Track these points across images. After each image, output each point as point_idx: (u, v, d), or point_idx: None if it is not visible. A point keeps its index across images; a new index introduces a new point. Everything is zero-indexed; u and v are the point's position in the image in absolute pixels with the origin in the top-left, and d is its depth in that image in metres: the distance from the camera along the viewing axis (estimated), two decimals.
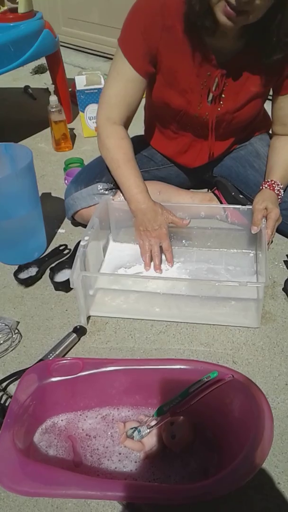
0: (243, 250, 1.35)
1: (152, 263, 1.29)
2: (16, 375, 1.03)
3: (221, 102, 1.25)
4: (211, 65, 1.18)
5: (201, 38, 1.14)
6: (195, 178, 1.54)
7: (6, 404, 0.99)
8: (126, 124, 1.29)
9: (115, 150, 1.26)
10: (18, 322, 1.18)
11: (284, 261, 1.33)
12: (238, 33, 1.12)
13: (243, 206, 1.31)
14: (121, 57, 1.18)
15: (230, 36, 1.12)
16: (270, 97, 1.33)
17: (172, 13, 1.11)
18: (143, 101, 1.38)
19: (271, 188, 1.27)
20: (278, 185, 1.27)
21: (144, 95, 1.34)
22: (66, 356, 1.09)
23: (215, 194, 1.50)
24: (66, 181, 1.72)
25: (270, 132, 1.45)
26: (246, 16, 0.98)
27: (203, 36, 1.13)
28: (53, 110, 1.91)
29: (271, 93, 1.32)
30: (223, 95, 1.23)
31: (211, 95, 1.24)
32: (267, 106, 1.36)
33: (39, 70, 2.90)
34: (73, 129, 2.18)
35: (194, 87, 1.22)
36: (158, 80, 1.23)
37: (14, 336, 1.14)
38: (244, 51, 1.17)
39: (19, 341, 1.13)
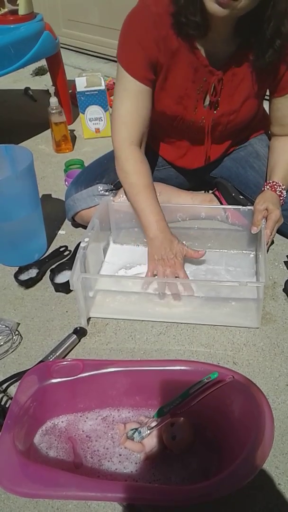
0: (244, 251, 1.35)
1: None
2: (17, 377, 1.03)
3: (217, 105, 1.25)
4: (207, 70, 1.19)
5: (194, 44, 1.14)
6: (195, 179, 1.55)
7: (7, 406, 0.99)
8: (143, 142, 1.26)
9: (135, 175, 1.23)
10: (19, 324, 1.18)
11: (285, 262, 1.33)
12: (230, 35, 1.13)
13: (243, 207, 1.31)
14: (124, 73, 1.18)
15: (223, 37, 1.13)
16: (267, 97, 1.33)
17: (165, 23, 1.11)
18: None
19: (273, 189, 1.27)
20: (280, 186, 1.28)
21: None
22: (66, 357, 1.09)
23: (215, 195, 1.50)
24: (66, 183, 1.72)
25: (269, 132, 1.45)
26: (236, 2, 0.96)
27: (196, 40, 1.13)
28: (53, 111, 1.91)
29: (268, 93, 1.32)
30: (218, 98, 1.24)
31: (207, 99, 1.24)
32: (266, 106, 1.36)
33: (39, 72, 2.90)
34: (74, 130, 2.19)
35: (191, 93, 1.23)
36: (155, 87, 1.23)
37: (14, 337, 1.14)
38: (237, 54, 1.17)
39: (19, 343, 1.13)
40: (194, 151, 1.40)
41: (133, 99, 1.20)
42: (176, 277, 1.17)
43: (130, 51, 1.16)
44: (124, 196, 1.36)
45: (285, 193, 1.28)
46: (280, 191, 1.27)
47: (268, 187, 1.28)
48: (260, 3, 1.00)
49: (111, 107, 2.23)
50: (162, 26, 1.11)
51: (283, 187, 1.28)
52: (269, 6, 1.02)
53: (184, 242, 1.36)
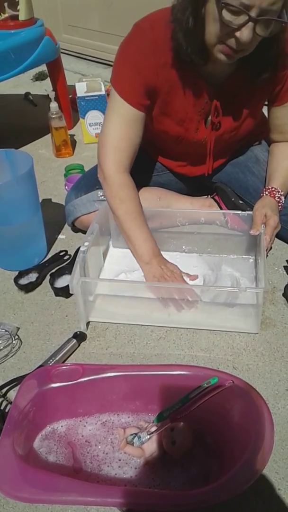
0: (243, 256, 1.35)
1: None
2: (16, 381, 1.03)
3: (219, 125, 1.26)
4: (207, 92, 1.19)
5: (194, 69, 1.15)
6: (194, 184, 1.55)
7: (6, 410, 0.99)
8: (130, 169, 1.25)
9: (129, 202, 1.22)
10: (18, 328, 1.18)
11: (284, 267, 1.33)
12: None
13: (243, 212, 1.32)
14: (118, 98, 1.17)
15: (221, 64, 1.14)
16: (266, 103, 1.34)
17: (164, 50, 1.11)
18: None
19: (272, 195, 1.27)
20: (278, 192, 1.28)
21: None
22: (66, 362, 1.09)
23: (215, 200, 1.51)
24: (66, 187, 1.73)
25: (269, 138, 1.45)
26: (243, 52, 1.01)
27: (195, 66, 1.14)
28: (53, 116, 1.92)
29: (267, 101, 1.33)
30: (220, 119, 1.25)
31: (209, 120, 1.25)
32: (265, 110, 1.37)
33: (39, 77, 2.91)
34: (74, 135, 2.19)
35: (192, 116, 1.23)
36: (154, 111, 1.23)
37: (14, 342, 1.14)
38: (235, 72, 1.18)
39: (19, 347, 1.13)
40: (195, 164, 1.41)
41: (126, 125, 1.19)
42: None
43: (127, 77, 1.15)
44: None
45: (283, 199, 1.29)
46: (278, 197, 1.28)
47: (267, 192, 1.28)
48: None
49: None
50: (161, 53, 1.11)
51: (282, 193, 1.28)
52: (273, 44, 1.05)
53: (183, 246, 1.37)
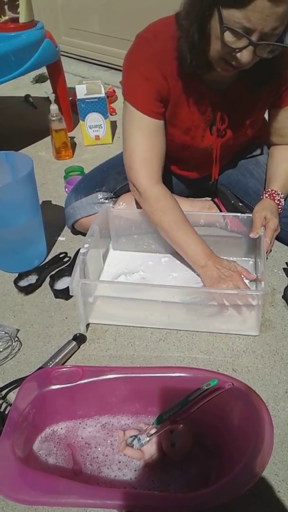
0: (243, 258, 1.35)
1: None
2: (16, 383, 1.03)
3: (225, 132, 1.27)
4: (213, 101, 1.20)
5: (198, 79, 1.15)
6: (194, 187, 1.55)
7: (6, 412, 0.99)
8: (162, 178, 1.25)
9: (171, 212, 1.21)
10: (18, 330, 1.18)
11: (284, 269, 1.33)
12: None
13: (243, 214, 1.32)
14: (134, 112, 1.16)
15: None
16: None
17: (169, 60, 1.11)
18: None
19: (271, 198, 1.28)
20: (278, 194, 1.28)
21: None
22: (65, 364, 1.09)
23: (214, 202, 1.51)
24: (66, 189, 1.73)
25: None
26: (242, 67, 1.02)
27: (198, 75, 1.15)
28: (53, 118, 1.92)
29: None
30: (226, 126, 1.26)
31: (214, 127, 1.25)
32: (266, 114, 1.37)
33: (39, 79, 2.91)
34: (74, 137, 2.19)
35: (198, 124, 1.24)
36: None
37: (14, 344, 1.14)
38: (239, 79, 1.19)
39: (18, 349, 1.13)
40: (201, 169, 1.42)
41: (148, 137, 1.19)
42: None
43: (138, 88, 1.15)
44: (124, 203, 1.36)
45: (283, 201, 1.29)
46: (278, 200, 1.28)
47: (266, 195, 1.29)
48: None
49: (111, 114, 2.25)
50: (167, 63, 1.11)
51: (281, 196, 1.29)
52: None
53: None
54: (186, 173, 1.45)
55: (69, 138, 2.02)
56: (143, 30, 1.14)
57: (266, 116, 1.38)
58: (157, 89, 1.14)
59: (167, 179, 1.49)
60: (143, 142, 1.19)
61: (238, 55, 0.97)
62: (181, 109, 1.20)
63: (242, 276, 1.16)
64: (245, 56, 0.97)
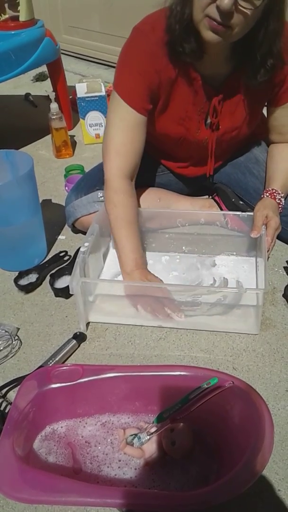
0: (243, 257, 1.35)
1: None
2: (16, 382, 1.03)
3: (218, 126, 1.27)
4: (205, 92, 1.20)
5: (192, 69, 1.15)
6: (195, 185, 1.55)
7: (6, 411, 0.99)
8: (135, 174, 1.26)
9: (122, 209, 1.22)
10: (18, 329, 1.18)
11: (284, 267, 1.33)
12: (226, 58, 1.15)
13: (243, 213, 1.32)
14: (121, 103, 1.17)
15: (218, 60, 1.15)
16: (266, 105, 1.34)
17: (163, 53, 1.11)
18: None
19: (272, 196, 1.28)
20: (279, 193, 1.28)
21: None
22: (66, 362, 1.09)
23: (215, 201, 1.51)
24: (66, 188, 1.73)
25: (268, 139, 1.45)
26: (230, 30, 0.99)
27: (193, 65, 1.14)
28: (53, 117, 1.92)
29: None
30: (218, 120, 1.25)
31: (208, 120, 1.25)
32: (265, 111, 1.37)
33: (40, 78, 2.91)
34: (74, 136, 2.19)
35: (191, 115, 1.24)
36: (156, 112, 1.24)
37: (14, 342, 1.14)
38: (232, 75, 1.19)
39: (19, 348, 1.13)
40: (197, 165, 1.41)
41: (129, 130, 1.19)
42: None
43: (130, 81, 1.16)
44: None
45: (283, 200, 1.29)
46: (279, 199, 1.28)
47: (267, 194, 1.29)
48: (254, 25, 1.01)
49: None
50: (162, 55, 1.12)
51: (282, 195, 1.29)
52: (262, 27, 1.03)
53: (183, 247, 1.37)
54: (184, 171, 1.45)
55: (69, 137, 2.02)
56: (140, 22, 1.14)
57: (265, 113, 1.38)
58: (148, 85, 1.15)
59: (166, 178, 1.50)
60: (123, 134, 1.20)
61: (218, 1, 0.94)
62: (175, 97, 1.20)
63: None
64: (225, 1, 0.92)
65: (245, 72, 1.14)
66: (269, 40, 1.06)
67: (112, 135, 1.21)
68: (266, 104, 1.32)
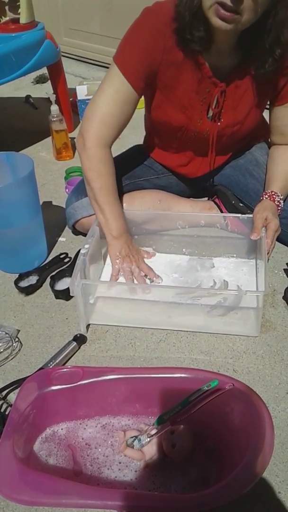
0: (243, 259, 1.35)
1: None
2: (16, 384, 1.03)
3: (221, 118, 1.27)
4: (210, 82, 1.20)
5: (198, 56, 1.15)
6: (195, 187, 1.55)
7: (6, 413, 0.99)
8: (112, 144, 1.26)
9: (107, 179, 1.23)
10: (19, 331, 1.18)
11: (284, 270, 1.33)
12: (233, 48, 1.15)
13: (243, 215, 1.32)
14: (118, 74, 1.17)
15: (226, 50, 1.15)
16: (267, 107, 1.34)
17: (171, 34, 1.12)
18: (143, 111, 1.39)
19: (272, 199, 1.28)
20: (278, 196, 1.29)
21: (143, 106, 1.35)
22: (66, 364, 1.09)
23: (215, 203, 1.51)
24: (67, 190, 1.73)
25: (269, 140, 1.45)
26: (239, 17, 0.99)
27: (200, 53, 1.14)
28: (54, 119, 1.92)
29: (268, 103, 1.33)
30: (222, 110, 1.25)
31: (210, 111, 1.25)
32: (266, 114, 1.37)
33: (40, 80, 2.92)
34: (74, 138, 2.19)
35: (194, 104, 1.23)
36: (156, 97, 1.24)
37: (14, 344, 1.14)
38: (239, 67, 1.19)
39: (19, 350, 1.13)
40: (197, 161, 1.41)
41: (120, 102, 1.19)
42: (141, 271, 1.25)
43: (133, 56, 1.16)
44: (124, 204, 1.36)
45: (283, 203, 1.29)
46: (278, 201, 1.28)
47: (267, 196, 1.29)
48: (262, 15, 1.02)
49: None
50: (169, 36, 1.12)
51: (281, 197, 1.29)
52: (270, 16, 1.04)
53: (184, 249, 1.37)
54: (185, 169, 1.44)
55: (69, 139, 2.02)
56: (152, 5, 1.15)
57: (267, 117, 1.38)
58: (150, 63, 1.15)
59: (166, 180, 1.50)
60: (114, 104, 1.19)
61: None
62: (178, 83, 1.20)
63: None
64: None
65: (253, 63, 1.15)
66: (277, 29, 1.06)
67: (101, 103, 1.20)
68: (267, 104, 1.33)
